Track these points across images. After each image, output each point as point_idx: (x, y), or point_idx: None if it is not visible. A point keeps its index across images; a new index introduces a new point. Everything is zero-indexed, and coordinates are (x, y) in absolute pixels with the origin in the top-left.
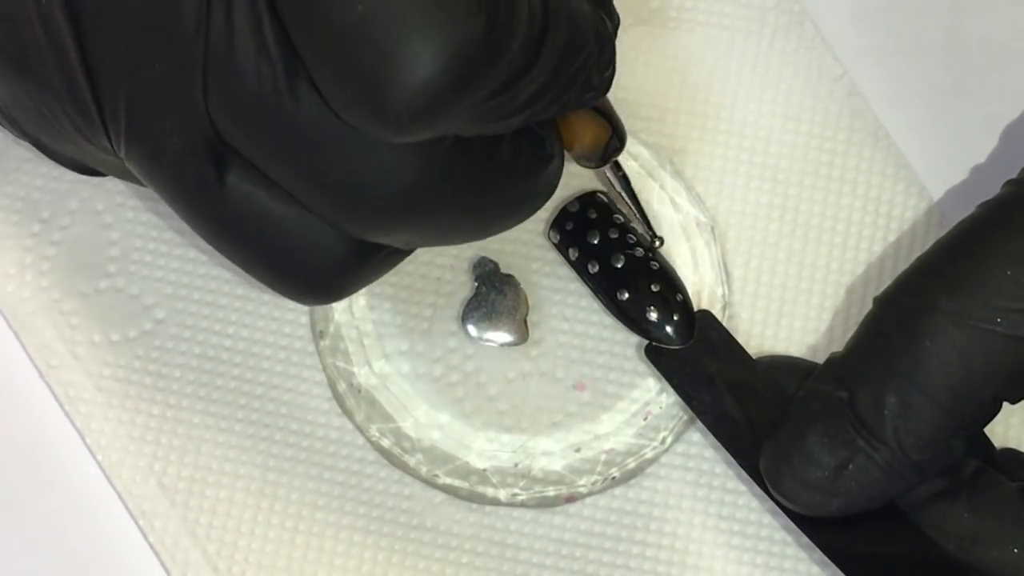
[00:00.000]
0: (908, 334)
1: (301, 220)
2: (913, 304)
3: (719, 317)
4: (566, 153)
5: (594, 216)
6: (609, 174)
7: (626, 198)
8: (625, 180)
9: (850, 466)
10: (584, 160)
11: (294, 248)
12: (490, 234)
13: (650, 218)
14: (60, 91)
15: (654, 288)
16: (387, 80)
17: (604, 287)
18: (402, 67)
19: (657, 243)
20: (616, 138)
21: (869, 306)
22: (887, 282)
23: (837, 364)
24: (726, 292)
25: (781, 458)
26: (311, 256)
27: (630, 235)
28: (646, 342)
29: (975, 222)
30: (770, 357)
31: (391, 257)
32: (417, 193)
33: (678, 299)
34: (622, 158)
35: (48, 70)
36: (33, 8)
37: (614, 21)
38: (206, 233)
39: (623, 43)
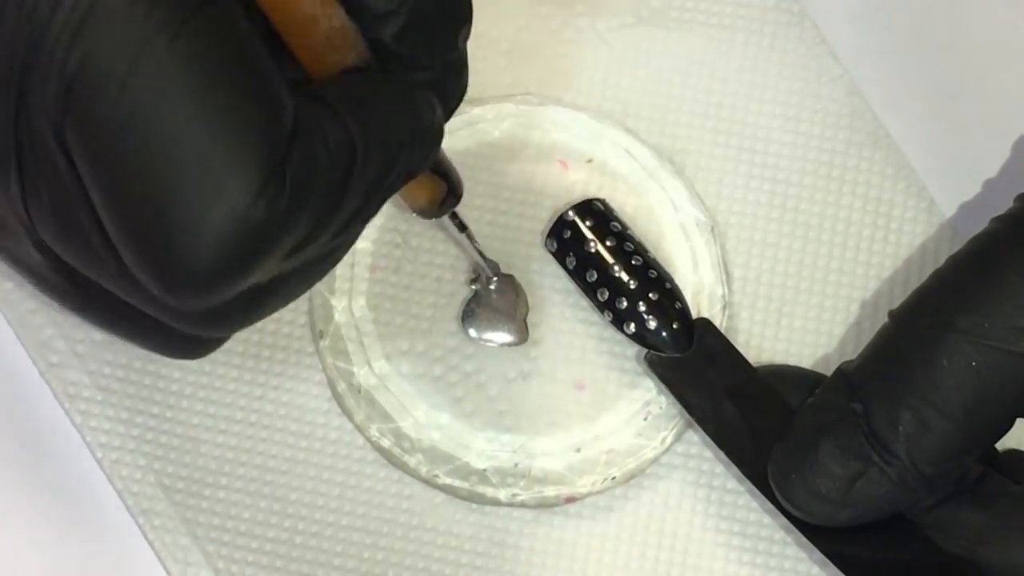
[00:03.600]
0: (924, 351)
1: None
2: (929, 322)
3: (719, 317)
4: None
5: (591, 224)
6: (447, 223)
7: (465, 244)
8: (462, 227)
9: (862, 478)
10: (420, 214)
11: (158, 334)
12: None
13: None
14: None
15: (652, 296)
16: (166, 264)
17: (602, 296)
18: (180, 253)
19: (494, 279)
20: (452, 194)
21: (868, 306)
22: (886, 282)
23: (851, 376)
24: (726, 292)
25: (791, 467)
26: (175, 339)
27: (628, 243)
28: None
29: (989, 238)
30: (772, 366)
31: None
32: (241, 314)
33: (676, 307)
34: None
35: None
36: None
37: (456, 96)
38: (80, 317)
39: (623, 43)
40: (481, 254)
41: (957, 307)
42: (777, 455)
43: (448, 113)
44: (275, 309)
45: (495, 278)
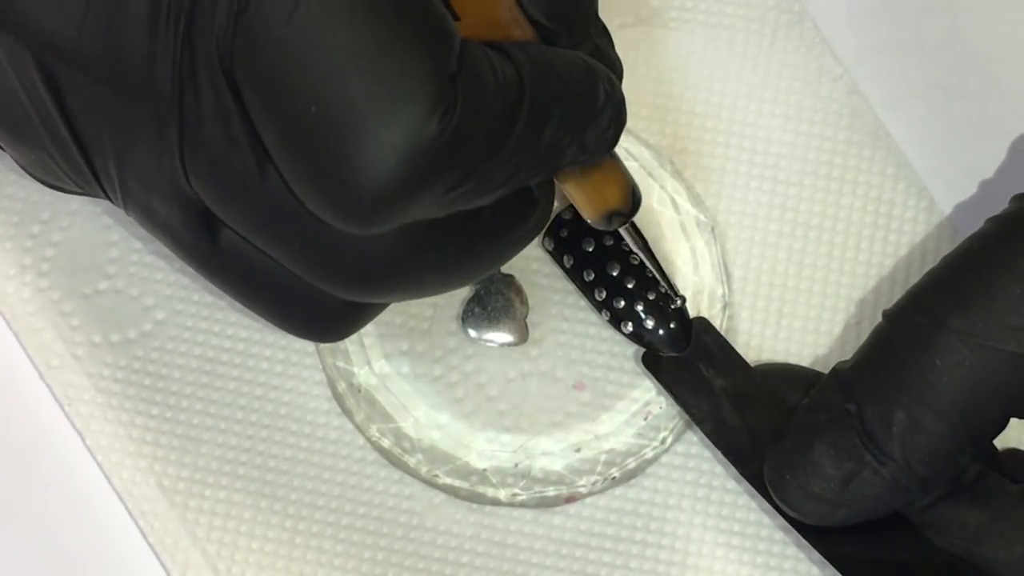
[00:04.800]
0: (917, 351)
1: (296, 277)
2: (923, 321)
3: (719, 317)
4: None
5: (589, 223)
6: (624, 235)
7: (644, 259)
8: (643, 241)
9: (856, 479)
10: (597, 221)
11: (293, 301)
12: (477, 279)
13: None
14: (57, 158)
15: (650, 296)
16: (340, 182)
17: (599, 295)
18: (354, 170)
19: (679, 302)
20: (632, 199)
21: (868, 306)
22: (886, 282)
23: (845, 376)
24: (726, 292)
25: (786, 468)
26: (310, 309)
27: (625, 243)
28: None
29: (984, 238)
30: (770, 365)
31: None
32: (393, 270)
33: (673, 307)
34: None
35: (42, 139)
36: (16, 82)
37: (616, 70)
38: (210, 282)
39: (623, 43)
40: (662, 272)
41: (951, 306)
42: (772, 456)
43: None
44: (425, 282)
45: (678, 300)
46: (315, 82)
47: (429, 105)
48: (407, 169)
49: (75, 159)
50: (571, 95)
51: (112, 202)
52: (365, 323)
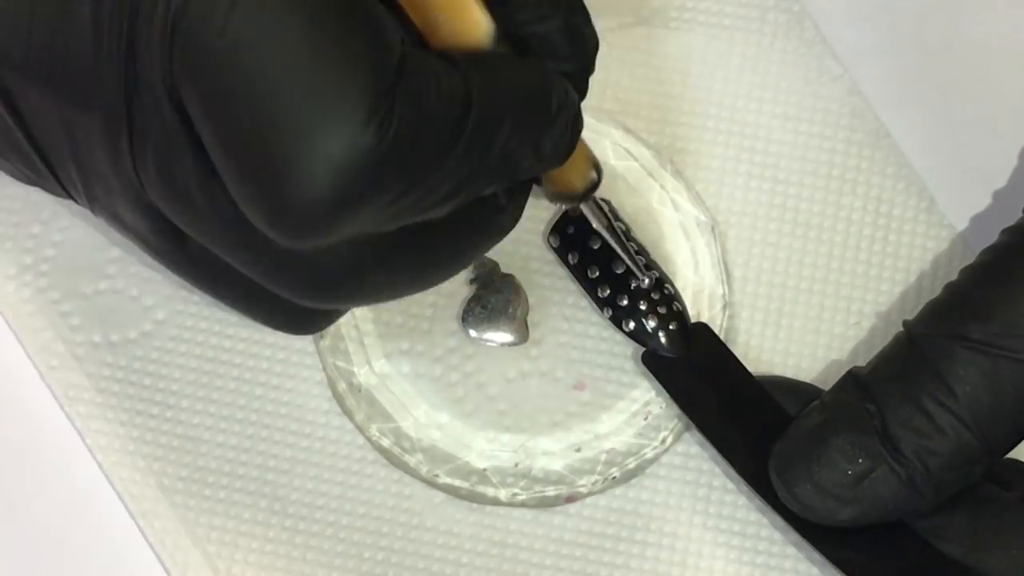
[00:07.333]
0: (939, 359)
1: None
2: (944, 332)
3: (720, 317)
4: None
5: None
6: (586, 211)
7: (607, 236)
8: (605, 217)
9: (871, 476)
10: (561, 201)
11: (259, 303)
12: (441, 282)
13: (643, 240)
14: (21, 167)
15: (653, 296)
16: (275, 196)
17: (602, 293)
18: (288, 183)
19: (646, 281)
20: (595, 171)
21: (868, 306)
22: (886, 282)
23: (864, 379)
24: (726, 292)
25: (798, 459)
26: (275, 310)
27: (631, 243)
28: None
29: (1001, 250)
30: (767, 377)
31: None
32: (345, 281)
33: (675, 309)
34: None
35: (4, 149)
36: None
37: (588, 48)
38: (184, 280)
39: (623, 43)
40: (629, 253)
41: (971, 318)
42: (783, 448)
43: (587, 67)
44: (382, 290)
45: (645, 279)
46: (250, 95)
47: (365, 115)
48: (343, 180)
49: (38, 167)
50: (523, 105)
51: (81, 205)
52: (335, 320)
